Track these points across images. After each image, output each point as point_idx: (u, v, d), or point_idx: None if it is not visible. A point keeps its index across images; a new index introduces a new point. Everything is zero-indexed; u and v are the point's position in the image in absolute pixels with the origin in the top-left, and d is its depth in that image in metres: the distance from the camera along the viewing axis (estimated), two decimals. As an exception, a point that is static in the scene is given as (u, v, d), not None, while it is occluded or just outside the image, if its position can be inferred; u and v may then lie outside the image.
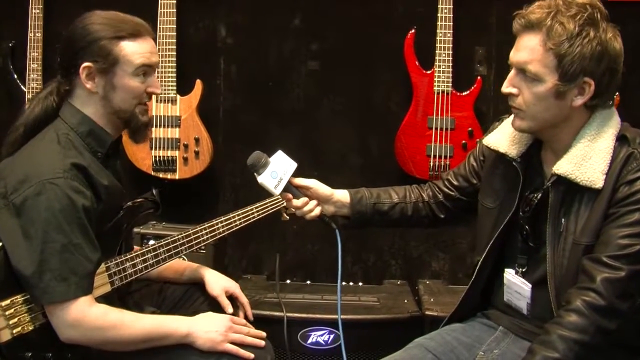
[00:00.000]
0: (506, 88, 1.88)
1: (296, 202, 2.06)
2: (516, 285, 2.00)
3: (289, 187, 2.03)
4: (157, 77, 3.27)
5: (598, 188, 1.80)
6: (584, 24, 1.76)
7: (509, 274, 2.01)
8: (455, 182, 2.19)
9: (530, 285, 1.95)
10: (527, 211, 1.94)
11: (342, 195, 2.19)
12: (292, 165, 2.01)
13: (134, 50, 2.01)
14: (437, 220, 2.23)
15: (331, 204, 2.16)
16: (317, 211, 2.09)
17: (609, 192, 1.80)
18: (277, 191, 2.00)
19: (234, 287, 2.32)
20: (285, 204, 2.12)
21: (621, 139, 1.85)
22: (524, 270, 1.99)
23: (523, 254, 1.99)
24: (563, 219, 1.86)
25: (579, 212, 1.84)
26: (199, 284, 2.36)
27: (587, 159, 1.82)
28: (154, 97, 3.25)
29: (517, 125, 1.90)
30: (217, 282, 2.31)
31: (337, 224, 2.11)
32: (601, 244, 1.78)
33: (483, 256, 2.04)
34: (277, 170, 1.98)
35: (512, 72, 1.86)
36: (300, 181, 2.09)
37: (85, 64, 1.98)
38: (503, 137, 2.01)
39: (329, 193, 2.16)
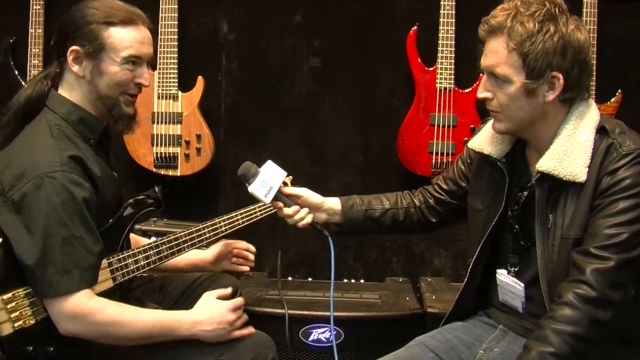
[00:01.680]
0: (480, 93, 1.91)
1: (287, 211, 2.08)
2: (509, 285, 2.01)
3: (279, 196, 2.06)
4: (159, 73, 3.29)
5: (581, 181, 1.82)
6: (543, 20, 1.80)
7: (501, 275, 2.03)
8: (445, 186, 2.22)
9: (523, 285, 1.96)
10: (515, 210, 1.96)
11: (333, 203, 2.21)
12: (282, 174, 2.04)
13: (122, 37, 2.00)
14: (430, 224, 2.26)
15: (322, 211, 2.18)
16: (308, 219, 2.11)
17: (592, 184, 1.81)
18: (268, 200, 2.03)
19: (231, 246, 2.46)
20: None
21: (601, 130, 1.86)
22: (516, 269, 2.00)
23: (514, 253, 2.00)
24: (550, 215, 1.88)
25: (565, 207, 1.86)
26: (199, 280, 2.38)
27: (569, 154, 1.84)
28: (155, 94, 3.28)
29: (497, 127, 1.94)
30: (218, 249, 2.45)
31: (329, 231, 2.13)
32: (589, 236, 1.79)
33: (474, 257, 2.05)
34: (267, 180, 2.01)
35: (484, 77, 1.90)
36: (290, 190, 2.12)
37: (73, 47, 1.98)
38: (487, 139, 2.03)
39: (320, 201, 2.17)
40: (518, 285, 1.97)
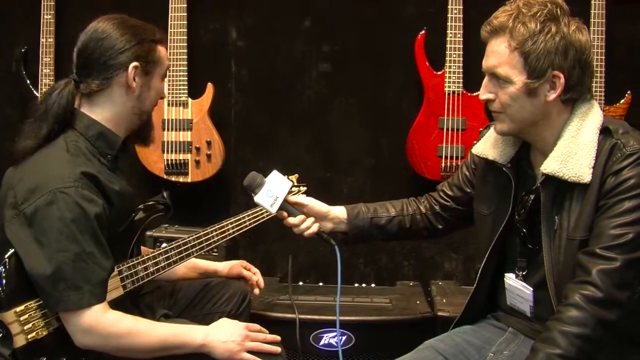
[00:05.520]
0: (483, 95, 1.92)
1: (293, 220, 2.08)
2: (517, 289, 2.01)
3: (285, 206, 2.06)
4: (168, 80, 3.31)
5: (586, 182, 1.82)
6: (544, 20, 1.81)
7: (510, 279, 2.03)
8: (450, 193, 2.21)
9: (531, 289, 1.96)
10: (522, 214, 1.95)
11: (339, 212, 2.20)
12: (287, 184, 2.04)
13: (164, 54, 2.09)
14: (436, 230, 2.26)
15: (328, 220, 2.18)
16: (314, 228, 2.11)
17: (597, 184, 1.81)
18: (274, 210, 2.04)
19: (245, 262, 2.53)
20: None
21: (604, 131, 1.86)
22: (524, 273, 2.00)
23: (522, 257, 2.00)
24: (556, 217, 1.87)
25: (570, 208, 1.85)
26: (210, 285, 2.39)
27: (573, 155, 1.83)
28: (165, 101, 3.31)
29: (499, 128, 1.94)
30: (232, 263, 2.51)
31: (335, 240, 2.12)
32: (594, 237, 1.79)
33: (483, 263, 2.05)
34: (273, 189, 2.02)
35: (486, 79, 1.90)
36: (295, 199, 2.11)
37: (134, 63, 2.00)
38: (491, 144, 2.03)
39: (325, 210, 2.17)
40: (526, 289, 1.97)
